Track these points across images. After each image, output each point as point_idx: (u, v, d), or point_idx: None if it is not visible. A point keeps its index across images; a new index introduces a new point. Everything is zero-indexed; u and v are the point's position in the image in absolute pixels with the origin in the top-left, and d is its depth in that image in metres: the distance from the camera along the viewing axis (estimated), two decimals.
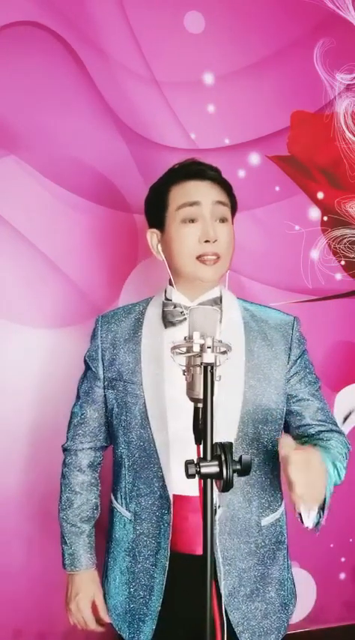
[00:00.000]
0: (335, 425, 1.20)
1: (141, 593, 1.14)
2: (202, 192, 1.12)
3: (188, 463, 0.74)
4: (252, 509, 1.13)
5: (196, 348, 0.79)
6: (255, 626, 1.12)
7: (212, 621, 0.73)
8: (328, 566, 2.01)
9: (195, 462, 0.74)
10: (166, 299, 1.19)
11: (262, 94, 1.83)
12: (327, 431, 1.17)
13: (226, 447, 0.75)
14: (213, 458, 0.75)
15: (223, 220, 1.13)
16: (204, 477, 0.74)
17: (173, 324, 1.14)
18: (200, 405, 0.80)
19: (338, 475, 1.06)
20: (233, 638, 1.10)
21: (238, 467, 0.75)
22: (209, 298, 1.16)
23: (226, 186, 1.16)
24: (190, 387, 0.82)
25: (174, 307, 1.15)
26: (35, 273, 1.68)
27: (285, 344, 1.17)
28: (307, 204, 1.90)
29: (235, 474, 0.74)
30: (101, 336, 1.22)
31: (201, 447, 0.77)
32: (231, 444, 0.76)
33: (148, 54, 1.73)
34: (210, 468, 0.74)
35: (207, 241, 1.09)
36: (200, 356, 0.79)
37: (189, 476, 0.74)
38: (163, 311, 1.16)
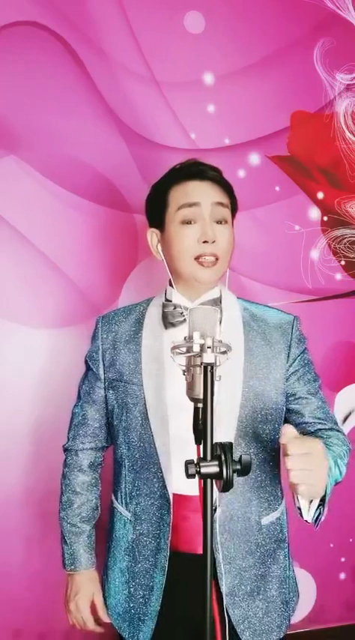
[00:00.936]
0: (335, 423, 1.20)
1: (140, 592, 1.14)
2: (202, 193, 1.12)
3: (188, 463, 0.74)
4: (252, 508, 1.13)
5: (196, 348, 0.79)
6: (256, 625, 1.12)
7: (212, 621, 0.73)
8: (328, 566, 2.01)
9: (195, 462, 0.74)
10: (166, 300, 1.19)
11: (262, 94, 1.83)
12: (327, 429, 1.17)
13: (226, 447, 0.75)
14: (213, 458, 0.75)
15: (222, 222, 1.13)
16: (204, 477, 0.74)
17: (173, 324, 1.15)
18: (200, 405, 0.80)
19: (340, 472, 1.06)
20: (234, 636, 1.10)
21: (238, 467, 0.75)
22: (209, 298, 1.16)
23: (227, 188, 1.16)
24: (190, 387, 0.82)
25: (175, 308, 1.15)
26: (35, 273, 1.69)
27: (285, 343, 1.17)
28: (307, 204, 1.91)
29: (235, 474, 0.74)
30: (102, 337, 1.22)
31: (201, 446, 0.77)
32: (231, 444, 0.76)
33: (148, 54, 1.73)
34: (210, 468, 0.74)
35: (205, 242, 1.09)
36: (200, 356, 0.78)
37: (189, 476, 0.74)
38: (163, 312, 1.16)
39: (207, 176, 1.13)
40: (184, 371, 0.83)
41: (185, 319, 1.13)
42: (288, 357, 1.17)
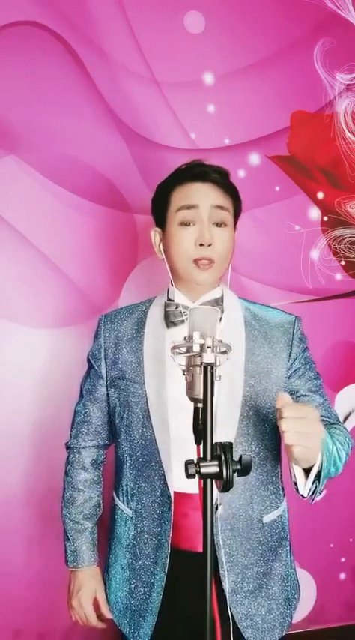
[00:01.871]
0: (337, 421, 1.20)
1: (141, 589, 1.15)
2: (201, 195, 1.12)
3: (188, 463, 0.74)
4: (254, 506, 1.14)
5: (196, 348, 0.79)
6: (258, 622, 1.12)
7: (212, 619, 0.73)
8: (328, 566, 2.01)
9: (195, 461, 0.74)
10: (169, 299, 1.19)
11: (262, 94, 1.83)
12: (330, 424, 1.17)
13: (226, 447, 0.75)
14: (213, 458, 0.75)
15: (222, 225, 1.13)
16: (203, 477, 0.74)
17: (175, 324, 1.15)
18: (200, 405, 0.80)
19: (338, 456, 1.05)
20: (237, 634, 1.10)
21: (238, 467, 0.75)
22: (210, 298, 1.16)
23: (230, 190, 1.16)
24: (190, 387, 0.82)
25: (176, 307, 1.15)
26: (35, 273, 1.69)
27: (286, 342, 1.18)
28: (307, 204, 1.91)
29: (235, 474, 0.74)
30: (104, 335, 1.22)
31: (201, 446, 0.77)
32: (231, 443, 0.76)
33: (148, 54, 1.73)
34: (210, 467, 0.74)
35: (202, 245, 1.09)
36: (200, 356, 0.79)
37: (189, 476, 0.74)
38: (166, 311, 1.17)
39: (209, 178, 1.13)
40: (184, 371, 0.83)
41: (187, 319, 1.13)
42: (290, 356, 1.17)
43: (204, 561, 0.72)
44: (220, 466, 0.73)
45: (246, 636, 1.10)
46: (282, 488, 1.22)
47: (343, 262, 1.95)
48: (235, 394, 1.11)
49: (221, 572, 1.09)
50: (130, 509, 1.17)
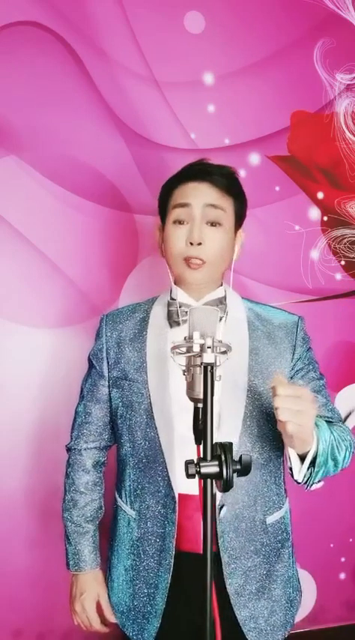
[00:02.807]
0: (341, 420, 1.20)
1: (145, 591, 1.14)
2: (196, 193, 1.12)
3: (188, 463, 0.74)
4: (257, 507, 1.13)
5: (196, 348, 0.79)
6: (262, 624, 1.12)
7: (212, 622, 0.72)
8: (328, 566, 2.01)
9: (195, 462, 0.74)
10: (171, 298, 1.19)
11: (262, 94, 1.83)
12: (331, 424, 1.17)
13: (226, 447, 0.75)
14: (213, 458, 0.75)
15: (216, 224, 1.12)
16: (203, 477, 0.74)
17: (178, 323, 1.15)
18: (200, 405, 0.80)
19: (337, 448, 1.04)
20: (240, 636, 1.10)
21: (238, 467, 0.75)
22: (213, 298, 1.16)
23: (230, 190, 1.15)
24: (190, 387, 0.82)
25: (179, 307, 1.15)
26: (35, 273, 1.68)
27: (290, 343, 1.18)
28: (307, 204, 1.90)
29: (235, 474, 0.74)
30: (106, 335, 1.22)
31: (201, 446, 0.77)
32: (231, 443, 0.76)
33: (148, 54, 1.73)
34: (210, 468, 0.74)
35: (192, 244, 1.09)
36: (200, 356, 0.79)
37: (189, 476, 0.74)
38: (169, 310, 1.17)
39: (206, 177, 1.12)
40: (184, 371, 0.83)
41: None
42: (293, 356, 1.17)
43: (203, 561, 0.72)
44: (220, 466, 0.73)
45: (249, 639, 1.10)
46: (285, 488, 1.22)
47: (343, 262, 1.95)
48: (239, 394, 1.11)
49: (224, 574, 1.09)
50: (133, 510, 1.17)
